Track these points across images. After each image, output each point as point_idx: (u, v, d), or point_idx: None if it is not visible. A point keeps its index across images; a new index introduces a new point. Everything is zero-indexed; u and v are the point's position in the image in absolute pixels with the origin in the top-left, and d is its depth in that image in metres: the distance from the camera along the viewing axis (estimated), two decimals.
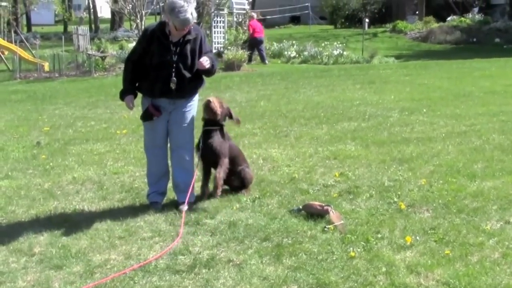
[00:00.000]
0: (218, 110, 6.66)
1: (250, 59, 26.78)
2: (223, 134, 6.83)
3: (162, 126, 6.54)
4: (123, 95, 6.60)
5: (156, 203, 6.68)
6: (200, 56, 6.43)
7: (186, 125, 6.59)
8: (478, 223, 5.92)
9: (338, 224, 5.80)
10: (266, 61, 27.17)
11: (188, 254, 5.36)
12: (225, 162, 6.75)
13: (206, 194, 6.78)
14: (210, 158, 6.79)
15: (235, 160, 6.95)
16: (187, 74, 6.41)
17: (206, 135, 6.76)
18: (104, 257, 5.36)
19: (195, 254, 5.35)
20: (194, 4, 6.28)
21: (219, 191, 6.68)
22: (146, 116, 6.46)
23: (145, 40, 6.37)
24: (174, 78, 6.33)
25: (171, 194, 6.99)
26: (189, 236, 5.77)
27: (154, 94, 6.42)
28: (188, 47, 6.38)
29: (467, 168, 7.86)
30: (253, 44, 27.38)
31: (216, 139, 6.73)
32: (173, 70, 6.32)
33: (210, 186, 6.89)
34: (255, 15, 28.52)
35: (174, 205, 6.66)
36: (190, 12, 6.13)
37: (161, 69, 6.31)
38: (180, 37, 6.33)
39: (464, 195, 6.75)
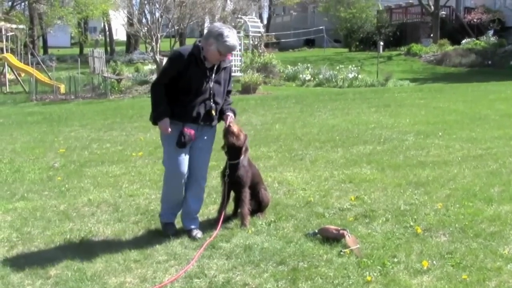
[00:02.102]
0: (241, 134, 6.63)
1: None
2: (246, 163, 6.83)
3: (187, 153, 6.36)
4: (157, 119, 6.19)
5: (171, 224, 6.59)
6: (229, 85, 6.49)
7: (208, 153, 6.52)
8: (496, 248, 5.87)
9: (354, 248, 5.77)
10: None
11: (203, 277, 5.34)
12: (248, 194, 6.78)
13: (222, 218, 6.75)
14: (234, 188, 6.84)
15: (255, 186, 6.95)
16: (220, 101, 6.35)
17: (232, 168, 6.75)
18: (120, 280, 5.35)
19: (211, 278, 5.32)
20: None
21: (247, 223, 6.68)
22: (183, 142, 6.18)
23: (182, 63, 6.08)
24: (213, 104, 6.24)
25: None
26: (204, 260, 5.75)
27: (186, 119, 6.20)
28: (222, 74, 6.32)
29: (483, 192, 7.80)
30: None
31: (242, 171, 6.75)
32: (211, 96, 6.22)
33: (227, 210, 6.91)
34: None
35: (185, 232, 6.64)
36: (236, 39, 6.14)
37: (198, 94, 6.15)
38: (214, 64, 6.21)
39: (481, 219, 6.70)
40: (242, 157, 6.76)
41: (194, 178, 6.49)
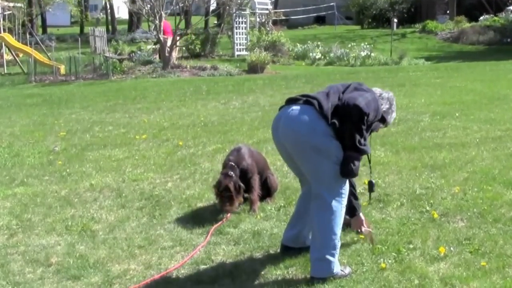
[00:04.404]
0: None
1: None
2: (248, 154, 6.89)
3: None
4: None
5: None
6: None
7: None
8: None
9: (366, 232, 5.70)
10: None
11: (211, 264, 5.36)
12: (257, 180, 6.81)
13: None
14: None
15: (261, 172, 6.96)
16: None
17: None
18: (123, 267, 5.36)
19: (218, 264, 5.34)
20: None
21: (256, 208, 6.68)
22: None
23: None
24: None
25: (192, 202, 7.00)
26: (211, 246, 5.76)
27: None
28: None
29: (503, 175, 7.77)
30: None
31: (248, 164, 6.82)
32: None
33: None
34: (164, 15, 28.61)
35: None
36: None
37: None
38: None
39: (501, 203, 6.67)
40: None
41: None
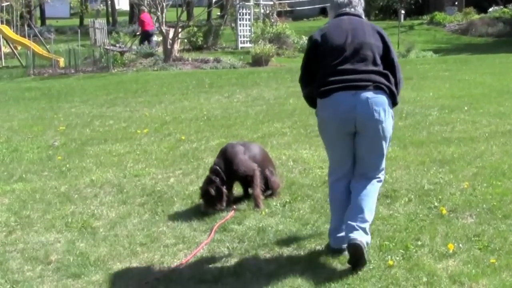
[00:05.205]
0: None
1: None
2: (240, 152, 6.88)
3: None
4: None
5: None
6: None
7: None
8: None
9: None
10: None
11: (214, 262, 5.36)
12: (258, 175, 6.76)
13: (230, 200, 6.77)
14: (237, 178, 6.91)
15: (261, 167, 6.89)
16: None
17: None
18: (125, 265, 5.37)
19: (222, 262, 5.34)
20: None
21: (260, 204, 6.67)
22: None
23: None
24: None
25: (196, 198, 7.00)
26: (215, 243, 5.76)
27: None
28: None
29: None
30: (145, 37, 27.84)
31: (238, 162, 6.82)
32: None
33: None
34: (145, 8, 28.61)
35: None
36: None
37: None
38: None
39: (510, 199, 6.65)
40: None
41: None
